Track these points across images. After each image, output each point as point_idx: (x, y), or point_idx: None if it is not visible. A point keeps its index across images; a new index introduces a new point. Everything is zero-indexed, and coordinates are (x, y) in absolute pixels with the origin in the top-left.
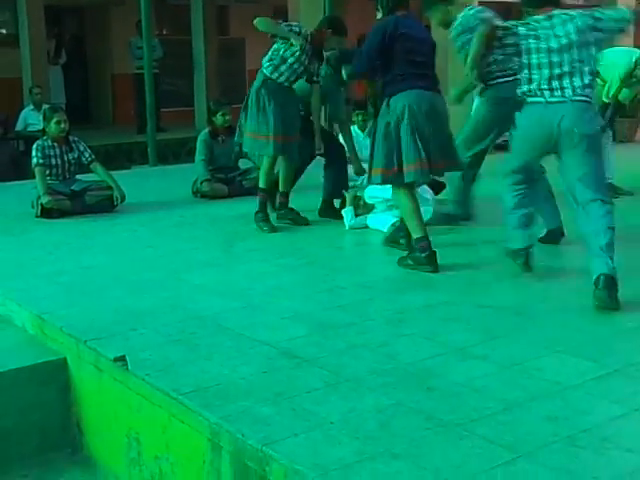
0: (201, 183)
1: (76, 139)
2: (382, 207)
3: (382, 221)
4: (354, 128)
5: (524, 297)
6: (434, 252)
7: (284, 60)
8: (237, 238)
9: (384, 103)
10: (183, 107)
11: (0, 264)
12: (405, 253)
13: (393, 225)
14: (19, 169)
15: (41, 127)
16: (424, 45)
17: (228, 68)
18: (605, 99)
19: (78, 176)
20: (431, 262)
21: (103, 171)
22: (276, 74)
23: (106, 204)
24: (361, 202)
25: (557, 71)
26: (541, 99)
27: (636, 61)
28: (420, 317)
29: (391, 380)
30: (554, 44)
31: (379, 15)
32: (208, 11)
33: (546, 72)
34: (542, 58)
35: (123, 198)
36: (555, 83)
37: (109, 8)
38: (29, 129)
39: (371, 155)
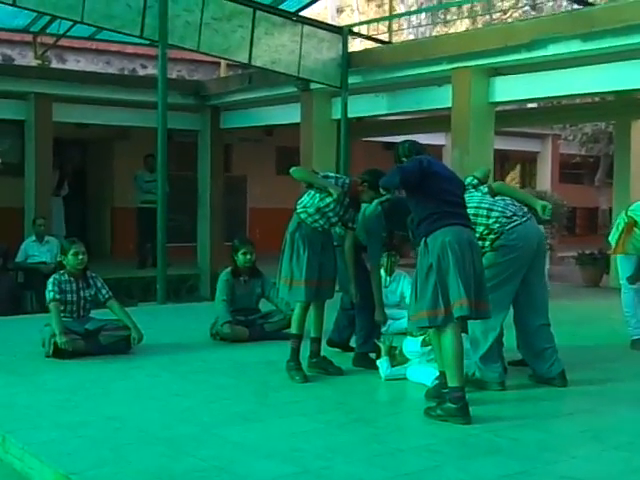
0: (222, 325)
1: (94, 275)
2: (418, 361)
3: (424, 373)
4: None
5: (608, 468)
6: (467, 403)
7: (318, 209)
8: (269, 388)
9: (421, 243)
10: (184, 243)
11: (13, 409)
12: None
13: (437, 379)
14: (17, 303)
15: (42, 259)
16: (454, 184)
17: (230, 205)
18: None
19: (92, 313)
20: (464, 414)
21: (120, 310)
22: (310, 220)
23: (122, 345)
24: (396, 352)
25: None
26: None
27: None
28: None
29: None
30: None
31: None
32: (215, 148)
33: None
34: None
35: (141, 339)
36: None
37: (112, 142)
38: (29, 261)
39: (414, 299)
